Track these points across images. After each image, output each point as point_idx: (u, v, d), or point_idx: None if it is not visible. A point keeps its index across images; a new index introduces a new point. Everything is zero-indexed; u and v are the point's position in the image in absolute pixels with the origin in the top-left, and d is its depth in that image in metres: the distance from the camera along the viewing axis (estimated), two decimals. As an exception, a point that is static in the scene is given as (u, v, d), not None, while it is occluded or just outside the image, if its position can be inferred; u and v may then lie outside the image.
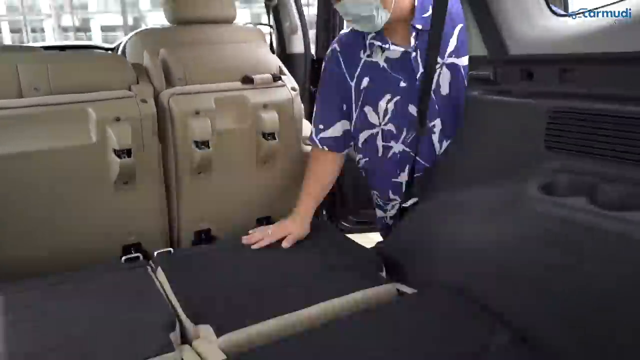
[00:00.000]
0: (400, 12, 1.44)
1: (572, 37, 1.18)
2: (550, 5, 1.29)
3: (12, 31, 24.41)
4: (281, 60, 2.10)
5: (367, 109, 1.58)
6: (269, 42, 2.50)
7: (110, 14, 26.49)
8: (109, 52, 3.16)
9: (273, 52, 2.54)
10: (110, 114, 1.60)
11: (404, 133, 1.55)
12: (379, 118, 1.56)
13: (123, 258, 1.60)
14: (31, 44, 3.16)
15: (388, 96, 1.53)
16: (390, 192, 1.69)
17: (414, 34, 1.46)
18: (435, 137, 1.53)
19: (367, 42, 1.54)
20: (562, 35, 1.21)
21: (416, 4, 1.45)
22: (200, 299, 1.30)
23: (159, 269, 1.48)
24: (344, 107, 1.63)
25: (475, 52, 1.40)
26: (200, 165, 1.77)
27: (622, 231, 0.93)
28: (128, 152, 1.61)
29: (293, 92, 1.92)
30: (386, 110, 1.54)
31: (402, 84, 1.50)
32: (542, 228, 1.11)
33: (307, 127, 2.00)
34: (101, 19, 26.63)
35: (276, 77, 1.90)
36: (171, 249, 1.61)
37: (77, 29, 24.95)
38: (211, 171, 1.82)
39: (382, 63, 1.52)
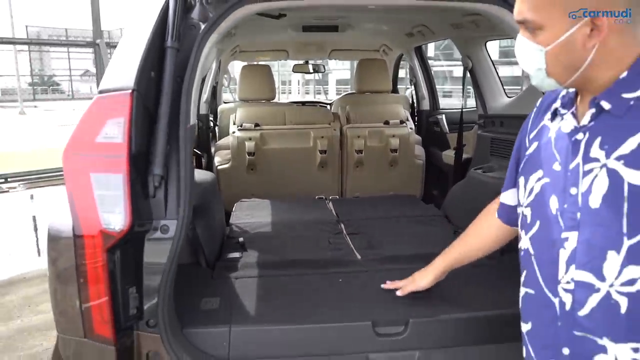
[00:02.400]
0: (592, 83, 1.00)
1: (505, 108, 2.71)
2: (506, 91, 2.82)
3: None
4: (415, 113, 3.87)
5: (521, 181, 1.18)
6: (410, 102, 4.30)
7: (345, 70, 31.27)
8: (327, 106, 5.26)
9: (414, 108, 4.30)
10: (319, 134, 3.56)
11: (535, 227, 1.11)
12: (524, 195, 1.16)
13: (316, 197, 3.52)
14: (285, 100, 5.49)
15: (540, 173, 1.11)
16: None
17: (592, 110, 0.99)
18: (563, 254, 1.02)
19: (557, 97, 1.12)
20: (503, 106, 2.75)
21: (625, 74, 0.96)
22: (343, 214, 3.08)
23: (330, 202, 3.35)
24: None
25: (479, 112, 2.98)
26: (357, 162, 3.61)
27: (485, 180, 2.47)
28: (324, 152, 3.54)
29: (410, 130, 3.65)
30: (532, 189, 1.12)
31: (555, 167, 1.06)
32: (477, 184, 2.64)
33: (418, 149, 3.71)
34: (337, 74, 31.55)
35: (402, 121, 3.66)
36: (337, 196, 3.48)
37: (317, 82, 30.11)
38: (363, 166, 3.64)
39: (552, 130, 1.10)
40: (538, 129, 1.16)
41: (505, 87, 2.95)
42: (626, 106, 0.95)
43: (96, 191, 1.37)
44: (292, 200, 3.41)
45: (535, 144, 1.15)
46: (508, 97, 2.81)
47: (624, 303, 0.94)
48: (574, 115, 1.04)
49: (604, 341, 0.97)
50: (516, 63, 1.11)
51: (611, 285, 0.95)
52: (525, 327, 1.15)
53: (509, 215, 1.35)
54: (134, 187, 1.41)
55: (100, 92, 1.46)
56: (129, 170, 1.39)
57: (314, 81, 30.10)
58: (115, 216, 1.37)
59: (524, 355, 1.17)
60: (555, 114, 1.10)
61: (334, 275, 2.08)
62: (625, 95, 0.95)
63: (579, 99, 1.05)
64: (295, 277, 2.07)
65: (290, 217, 2.98)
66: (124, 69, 1.49)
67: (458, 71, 21.84)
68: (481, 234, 1.53)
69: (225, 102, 4.66)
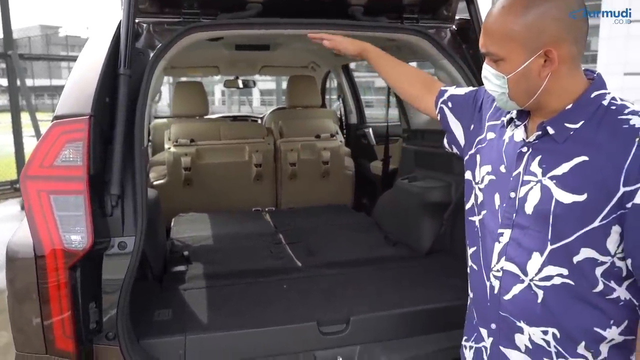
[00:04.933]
0: (543, 108, 1.15)
1: (425, 123, 3.00)
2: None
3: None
4: (344, 126, 4.10)
5: (477, 159, 1.33)
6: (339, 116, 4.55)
7: (267, 82, 31.59)
8: (258, 120, 5.39)
9: (342, 122, 4.55)
10: (254, 148, 3.69)
11: (484, 212, 1.28)
12: (478, 176, 1.32)
13: (253, 209, 3.64)
14: (216, 115, 5.44)
15: (489, 168, 1.28)
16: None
17: (538, 132, 1.15)
18: (497, 246, 1.22)
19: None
20: (424, 121, 3.03)
21: (570, 106, 1.11)
22: (280, 224, 3.24)
23: (267, 213, 3.49)
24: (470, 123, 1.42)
25: (403, 126, 3.25)
26: (291, 175, 3.77)
27: (411, 189, 2.73)
28: (259, 165, 3.68)
29: (341, 143, 3.87)
30: (483, 179, 1.29)
31: (502, 169, 1.23)
32: (404, 192, 2.89)
33: (347, 160, 3.94)
34: (260, 84, 31.76)
35: (332, 135, 3.88)
36: (273, 208, 3.63)
37: (241, 92, 30.11)
38: (297, 178, 3.81)
39: (507, 135, 1.25)
40: (495, 123, 1.31)
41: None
42: (566, 134, 1.10)
43: (57, 212, 1.44)
44: (230, 213, 3.51)
45: (491, 135, 1.30)
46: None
47: (540, 294, 1.14)
48: (526, 128, 1.20)
49: (521, 324, 1.19)
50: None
51: (532, 280, 1.15)
52: (470, 295, 1.37)
53: (439, 95, 1.49)
54: (93, 207, 1.49)
55: (57, 117, 1.53)
56: (89, 191, 1.47)
57: (237, 91, 30.00)
58: (76, 235, 1.44)
59: (467, 318, 1.40)
60: (510, 122, 1.25)
61: (278, 282, 2.23)
62: (567, 125, 1.10)
63: (530, 115, 1.21)
64: (241, 285, 2.20)
65: (230, 229, 3.09)
66: (80, 95, 1.56)
67: (379, 82, 22.83)
68: (410, 81, 1.60)
69: (157, 118, 4.67)
